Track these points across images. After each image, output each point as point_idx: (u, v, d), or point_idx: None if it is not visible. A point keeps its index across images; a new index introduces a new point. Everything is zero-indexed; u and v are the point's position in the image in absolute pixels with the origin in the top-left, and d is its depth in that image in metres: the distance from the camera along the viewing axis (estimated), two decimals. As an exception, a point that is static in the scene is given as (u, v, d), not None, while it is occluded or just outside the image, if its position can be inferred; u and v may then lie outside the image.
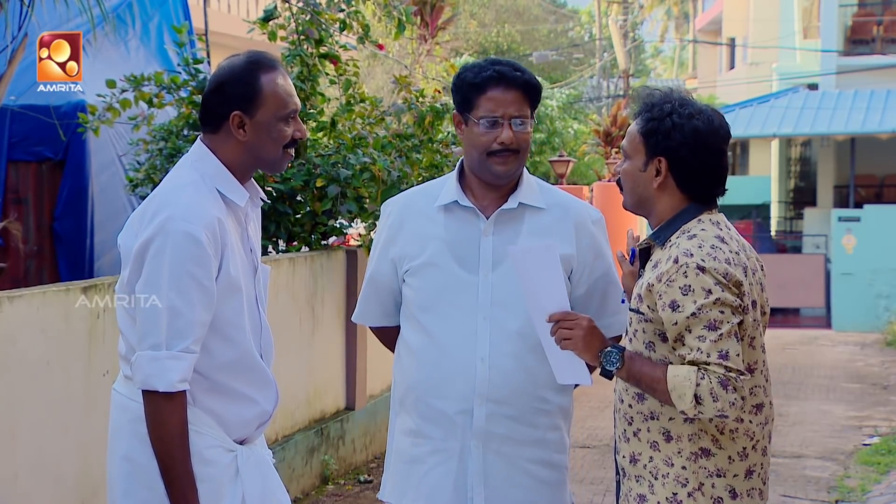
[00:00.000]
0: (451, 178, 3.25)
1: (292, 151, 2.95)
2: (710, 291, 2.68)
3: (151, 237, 2.73)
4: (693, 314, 2.67)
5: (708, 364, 2.65)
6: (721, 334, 2.66)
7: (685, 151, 2.79)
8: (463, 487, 3.14)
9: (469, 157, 3.19)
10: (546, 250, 2.87)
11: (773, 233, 21.88)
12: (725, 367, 2.65)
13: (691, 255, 2.71)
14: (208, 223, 2.75)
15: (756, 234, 19.50)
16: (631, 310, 2.84)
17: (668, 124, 2.79)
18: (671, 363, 2.74)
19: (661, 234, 2.84)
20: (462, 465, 3.14)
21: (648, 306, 2.76)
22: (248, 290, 2.90)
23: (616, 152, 20.59)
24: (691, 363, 2.69)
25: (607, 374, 2.80)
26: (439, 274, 3.15)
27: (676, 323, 2.70)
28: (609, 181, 18.21)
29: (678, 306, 2.69)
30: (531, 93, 3.15)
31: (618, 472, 2.95)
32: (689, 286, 2.68)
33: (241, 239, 2.92)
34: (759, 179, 24.07)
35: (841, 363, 12.84)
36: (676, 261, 2.72)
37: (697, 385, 2.64)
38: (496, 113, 3.10)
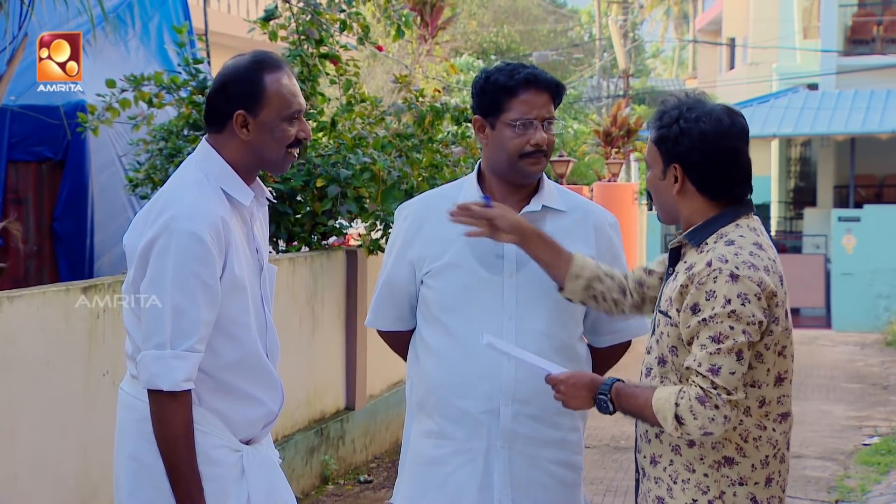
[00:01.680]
0: (470, 180, 3.25)
1: (296, 152, 2.95)
2: (729, 301, 2.63)
3: (155, 237, 2.73)
4: (704, 320, 2.64)
5: (697, 374, 2.63)
6: (720, 349, 2.62)
7: (696, 156, 2.75)
8: (489, 488, 3.13)
9: (495, 160, 3.17)
10: (496, 346, 2.95)
11: (773, 233, 21.87)
12: (711, 382, 2.61)
13: (726, 260, 2.67)
14: (212, 223, 2.75)
15: (756, 234, 19.46)
16: (660, 312, 2.81)
17: (676, 130, 2.76)
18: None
19: (697, 236, 2.79)
20: (487, 466, 3.13)
21: (677, 309, 2.73)
22: (253, 289, 2.90)
23: (616, 152, 20.61)
24: (686, 371, 2.68)
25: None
26: (462, 275, 3.15)
27: (689, 326, 2.67)
28: (609, 181, 18.23)
29: (698, 310, 2.66)
30: (558, 94, 3.17)
31: (638, 471, 2.93)
32: (714, 292, 2.65)
33: (247, 238, 2.92)
34: (759, 179, 23.93)
35: (841, 363, 12.85)
36: (710, 264, 2.68)
37: (676, 405, 2.63)
38: (530, 115, 3.10)
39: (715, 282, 2.65)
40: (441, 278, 3.17)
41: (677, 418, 2.63)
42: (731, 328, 2.63)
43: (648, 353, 2.88)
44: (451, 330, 3.15)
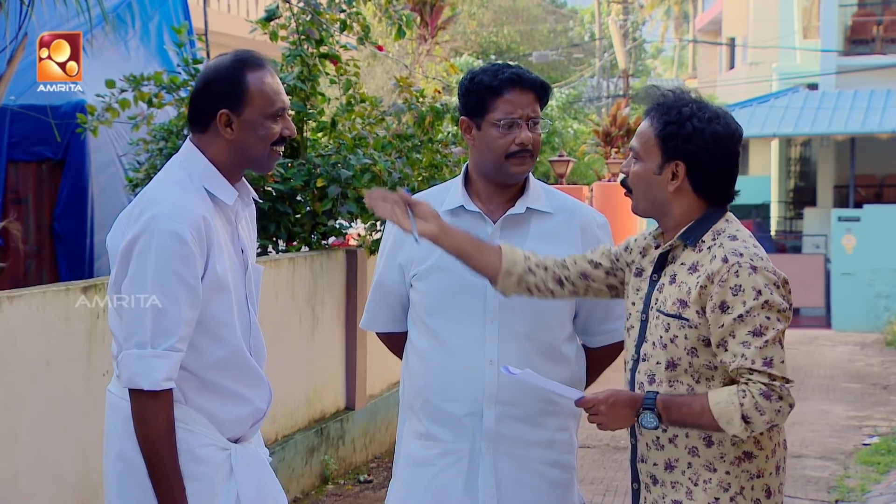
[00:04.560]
0: (456, 182, 3.26)
1: (280, 150, 2.94)
2: (759, 293, 2.64)
3: (137, 236, 2.73)
4: (740, 316, 2.63)
5: (752, 371, 2.62)
6: (766, 340, 2.63)
7: (706, 157, 2.74)
8: (474, 489, 3.15)
9: (481, 161, 3.18)
10: (512, 373, 2.88)
11: (773, 233, 21.89)
12: (769, 375, 2.61)
13: (740, 254, 2.68)
14: (193, 222, 2.75)
15: (756, 234, 19.24)
16: (668, 315, 2.77)
17: (689, 129, 2.73)
18: (714, 368, 2.72)
19: (691, 236, 2.79)
20: (472, 467, 3.15)
21: (697, 311, 2.71)
22: (237, 289, 2.89)
23: (616, 152, 20.61)
24: (735, 371, 2.65)
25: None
26: (447, 277, 3.15)
27: (723, 325, 2.66)
28: (609, 181, 18.23)
29: (727, 307, 2.65)
30: (543, 94, 3.17)
31: (635, 481, 2.89)
32: (740, 286, 2.65)
33: (231, 238, 2.91)
34: (759, 179, 24.07)
35: (841, 363, 12.84)
36: (726, 260, 2.68)
37: (741, 405, 2.61)
38: (514, 114, 3.10)
39: (737, 276, 2.66)
40: (426, 281, 3.18)
41: (744, 418, 2.61)
42: (768, 318, 2.64)
43: (645, 360, 2.83)
44: (435, 332, 3.17)
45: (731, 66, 34.38)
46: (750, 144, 24.87)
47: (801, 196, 22.37)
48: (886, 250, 16.11)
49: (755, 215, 21.73)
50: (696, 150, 2.74)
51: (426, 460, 3.19)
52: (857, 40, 21.48)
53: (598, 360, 3.34)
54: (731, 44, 33.77)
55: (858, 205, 18.49)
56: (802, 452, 8.00)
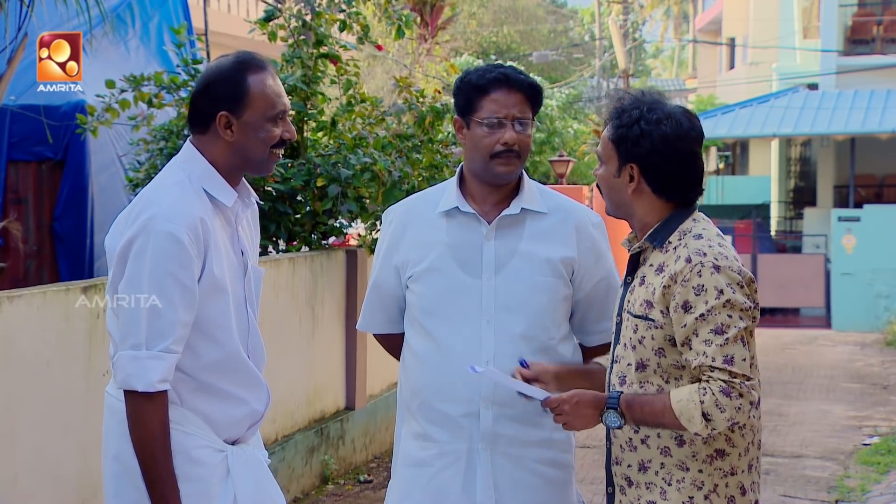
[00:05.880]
0: (451, 183, 3.26)
1: (280, 152, 2.94)
2: (721, 292, 2.66)
3: (134, 237, 2.73)
4: (702, 315, 2.65)
5: (713, 369, 2.63)
6: (727, 339, 2.64)
7: (656, 158, 2.77)
8: (471, 489, 3.15)
9: (471, 161, 3.19)
10: (492, 375, 2.95)
11: (773, 233, 21.87)
12: (729, 373, 2.63)
13: (704, 254, 2.70)
14: (190, 223, 2.74)
15: (756, 234, 19.50)
16: (636, 316, 2.80)
17: (637, 131, 2.77)
18: (682, 367, 2.73)
19: (658, 237, 2.82)
20: (470, 468, 3.15)
21: (661, 311, 2.73)
22: (235, 291, 2.88)
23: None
24: (697, 369, 2.67)
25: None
26: (442, 279, 3.16)
27: (685, 325, 2.68)
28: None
29: (690, 307, 2.68)
30: (534, 96, 3.17)
31: (609, 485, 2.92)
32: (703, 286, 2.67)
33: (231, 240, 2.91)
34: (759, 179, 24.07)
35: (841, 363, 12.85)
36: (689, 260, 2.70)
37: (702, 402, 2.63)
38: (499, 114, 3.11)
39: (700, 276, 2.68)
40: (422, 282, 3.19)
41: (705, 416, 2.63)
42: (730, 317, 2.66)
43: (617, 362, 2.86)
44: (431, 333, 3.17)
45: (731, 66, 34.38)
46: (750, 144, 24.89)
47: (801, 196, 22.36)
48: (886, 250, 16.12)
49: (755, 215, 21.71)
50: (646, 152, 2.78)
51: (424, 461, 3.20)
52: (857, 40, 21.46)
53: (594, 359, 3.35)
54: (731, 44, 33.77)
55: (858, 205, 18.48)
56: (802, 452, 8.00)
